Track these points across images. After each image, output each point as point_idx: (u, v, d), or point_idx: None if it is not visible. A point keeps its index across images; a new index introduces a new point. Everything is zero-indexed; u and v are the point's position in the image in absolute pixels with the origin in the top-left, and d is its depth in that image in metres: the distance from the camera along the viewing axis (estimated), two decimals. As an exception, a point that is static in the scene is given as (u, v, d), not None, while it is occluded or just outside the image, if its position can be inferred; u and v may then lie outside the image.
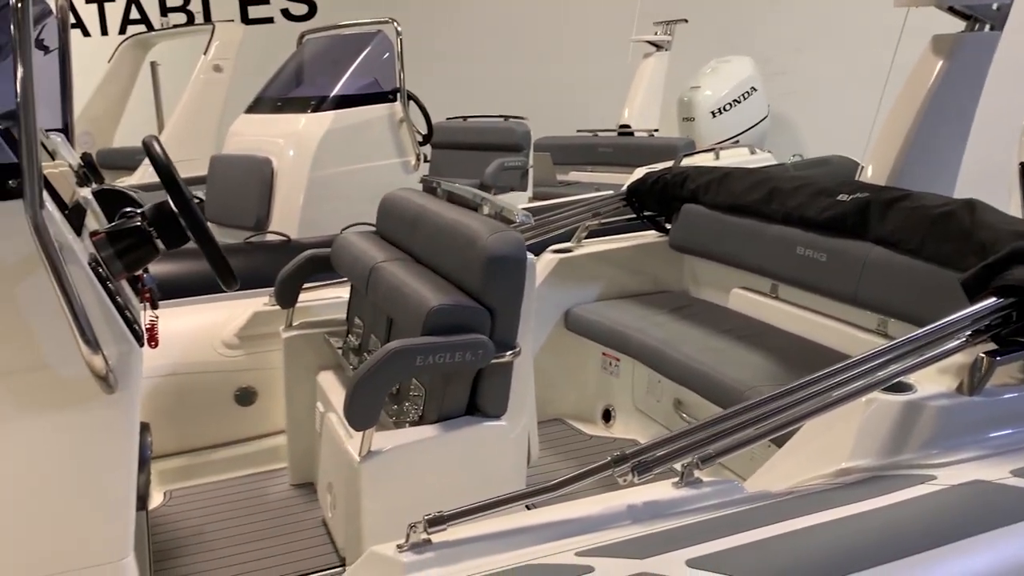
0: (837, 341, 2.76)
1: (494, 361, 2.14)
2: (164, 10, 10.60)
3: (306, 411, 2.86)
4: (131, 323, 1.70)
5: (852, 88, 8.16)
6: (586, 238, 3.60)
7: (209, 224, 4.21)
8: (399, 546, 1.49)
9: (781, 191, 3.04)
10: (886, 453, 1.78)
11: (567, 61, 9.86)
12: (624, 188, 3.78)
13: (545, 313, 3.39)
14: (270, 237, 4.41)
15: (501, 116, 6.77)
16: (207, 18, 10.49)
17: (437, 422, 2.20)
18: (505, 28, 10.27)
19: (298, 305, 2.96)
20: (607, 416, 3.43)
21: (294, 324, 2.92)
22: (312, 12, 10.62)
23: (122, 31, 10.56)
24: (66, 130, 2.74)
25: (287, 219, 4.55)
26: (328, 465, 2.53)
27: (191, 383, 2.92)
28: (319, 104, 4.78)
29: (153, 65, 8.10)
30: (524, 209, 2.50)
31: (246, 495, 2.83)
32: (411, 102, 5.03)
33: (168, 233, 1.87)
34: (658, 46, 8.24)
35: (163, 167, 1.89)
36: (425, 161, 5.23)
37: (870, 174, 3.84)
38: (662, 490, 1.67)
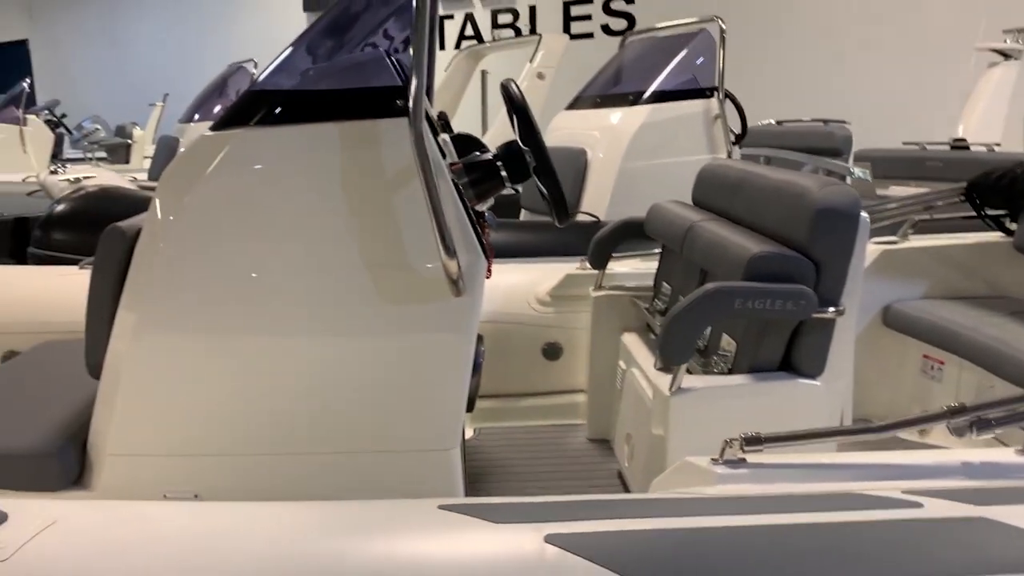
0: None
1: (815, 316, 2.06)
2: (495, 25, 11.53)
3: (608, 369, 2.96)
4: (479, 239, 1.88)
5: None
6: (913, 234, 3.36)
7: (526, 210, 4.44)
8: (713, 459, 1.51)
9: None
10: None
11: (894, 69, 9.18)
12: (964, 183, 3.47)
13: (863, 306, 3.21)
14: (581, 217, 4.62)
15: (820, 120, 6.49)
16: (533, 32, 11.22)
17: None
18: (830, 32, 9.80)
19: (607, 271, 3.08)
20: None
21: (603, 286, 3.04)
22: (631, 26, 10.94)
23: (457, 45, 11.65)
24: (428, 90, 3.09)
25: (596, 206, 4.73)
26: (627, 417, 2.60)
27: (505, 332, 3.15)
28: (636, 99, 4.92)
29: (483, 73, 8.79)
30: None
31: (546, 441, 2.99)
32: (727, 100, 5.00)
33: (514, 168, 2.04)
34: (1007, 55, 7.43)
35: (519, 106, 2.07)
36: (736, 162, 5.16)
37: None
38: (1001, 454, 1.53)
